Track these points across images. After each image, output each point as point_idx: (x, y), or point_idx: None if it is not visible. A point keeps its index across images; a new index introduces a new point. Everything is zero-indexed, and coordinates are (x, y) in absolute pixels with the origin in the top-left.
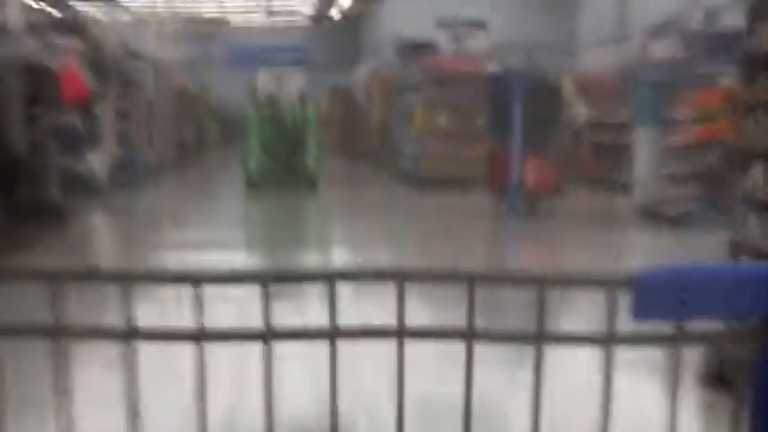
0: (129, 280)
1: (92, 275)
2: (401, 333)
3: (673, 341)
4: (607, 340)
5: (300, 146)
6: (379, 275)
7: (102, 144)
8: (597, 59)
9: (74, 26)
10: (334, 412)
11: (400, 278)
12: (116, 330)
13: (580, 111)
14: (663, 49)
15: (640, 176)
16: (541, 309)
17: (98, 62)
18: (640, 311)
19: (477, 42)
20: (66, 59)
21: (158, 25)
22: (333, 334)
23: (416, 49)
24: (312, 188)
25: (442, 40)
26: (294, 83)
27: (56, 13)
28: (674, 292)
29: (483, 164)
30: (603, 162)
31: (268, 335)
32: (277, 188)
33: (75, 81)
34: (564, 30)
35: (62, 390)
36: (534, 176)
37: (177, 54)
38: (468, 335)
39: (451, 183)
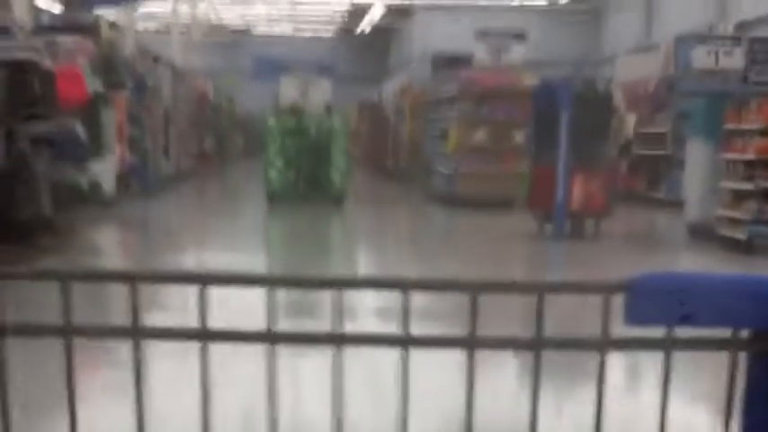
0: (137, 280)
1: (101, 276)
2: (406, 342)
3: (666, 347)
4: (602, 345)
5: (325, 158)
6: (384, 284)
7: (109, 152)
8: (630, 69)
9: (85, 27)
10: (338, 420)
11: (404, 287)
12: (123, 329)
13: (630, 122)
14: (704, 58)
15: (693, 193)
16: (540, 315)
17: (109, 65)
18: (634, 317)
19: (514, 56)
20: (70, 60)
21: (182, 32)
22: (338, 340)
23: (452, 63)
24: (337, 204)
25: (479, 52)
26: (320, 92)
27: (68, 14)
28: (669, 298)
29: (522, 183)
30: (641, 176)
31: (272, 338)
32: (299, 203)
33: (76, 83)
34: (591, 41)
35: (72, 389)
36: (581, 195)
37: (201, 62)
38: (471, 343)
39: (488, 203)
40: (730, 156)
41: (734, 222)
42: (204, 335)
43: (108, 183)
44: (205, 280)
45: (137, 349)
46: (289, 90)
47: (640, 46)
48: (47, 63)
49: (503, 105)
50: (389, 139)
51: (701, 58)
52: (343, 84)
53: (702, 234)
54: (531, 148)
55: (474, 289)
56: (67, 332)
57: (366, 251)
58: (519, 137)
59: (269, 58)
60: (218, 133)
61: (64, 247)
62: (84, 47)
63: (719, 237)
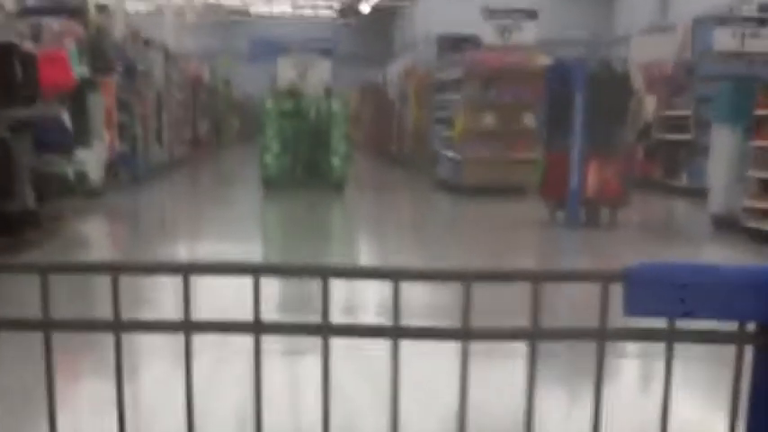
0: (119, 271)
1: (82, 267)
2: (396, 333)
3: (666, 338)
4: (600, 335)
5: (324, 143)
6: (373, 274)
7: (97, 139)
8: (645, 50)
9: (73, 10)
10: (325, 413)
11: (396, 277)
12: (104, 322)
13: (649, 105)
14: (728, 40)
15: (717, 182)
16: (536, 305)
17: (97, 49)
18: (633, 307)
19: (525, 35)
20: (55, 43)
21: (176, 14)
22: (325, 331)
23: (458, 44)
24: (337, 190)
25: (487, 33)
26: (319, 73)
27: None
28: (669, 288)
29: (532, 169)
30: (659, 162)
31: (258, 328)
32: (297, 189)
33: (61, 67)
34: (603, 21)
35: (51, 383)
36: (597, 182)
37: (196, 45)
38: (464, 334)
39: (496, 190)
40: (759, 143)
41: (762, 213)
42: (188, 326)
43: (96, 172)
44: (188, 269)
45: (118, 343)
46: (286, 71)
47: (655, 26)
48: (27, 46)
49: (512, 87)
50: (393, 124)
51: (724, 39)
52: (344, 65)
53: (727, 225)
54: (544, 133)
55: (466, 278)
56: (47, 326)
57: (367, 241)
58: (529, 120)
59: (267, 39)
60: (214, 118)
61: (48, 239)
62: (71, 29)
63: (745, 228)
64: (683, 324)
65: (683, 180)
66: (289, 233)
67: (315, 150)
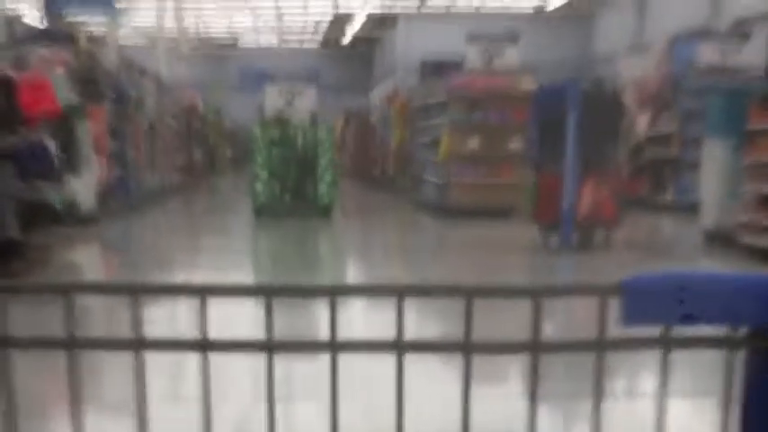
0: (138, 292)
1: (103, 288)
2: (400, 347)
3: (664, 346)
4: (599, 347)
5: (312, 170)
6: (378, 291)
7: (87, 167)
8: (628, 69)
9: (63, 38)
10: (334, 426)
11: (399, 293)
12: (125, 341)
13: (641, 123)
14: (710, 55)
15: (709, 198)
16: (536, 319)
17: (87, 76)
18: (630, 318)
19: (508, 59)
20: (40, 71)
21: (169, 46)
22: (333, 347)
23: (440, 69)
24: (325, 216)
25: (470, 57)
26: (305, 101)
27: (45, 27)
28: (665, 298)
29: (521, 191)
30: (645, 180)
31: (271, 346)
32: (287, 216)
33: (43, 94)
34: (582, 43)
35: (76, 401)
36: (590, 203)
37: (188, 75)
38: (466, 348)
39: (482, 213)
40: (754, 157)
41: (758, 229)
42: (204, 345)
43: (86, 200)
44: (205, 291)
45: (139, 361)
46: (273, 99)
47: (635, 45)
48: (8, 72)
49: (497, 111)
50: (376, 149)
51: (707, 54)
52: (328, 94)
53: (721, 242)
54: (535, 155)
55: (468, 293)
56: (71, 345)
57: (358, 268)
58: (515, 144)
59: (255, 69)
60: (207, 146)
61: (34, 269)
62: (59, 57)
63: (741, 245)
64: (678, 331)
65: (670, 196)
66: (281, 263)
67: (302, 177)
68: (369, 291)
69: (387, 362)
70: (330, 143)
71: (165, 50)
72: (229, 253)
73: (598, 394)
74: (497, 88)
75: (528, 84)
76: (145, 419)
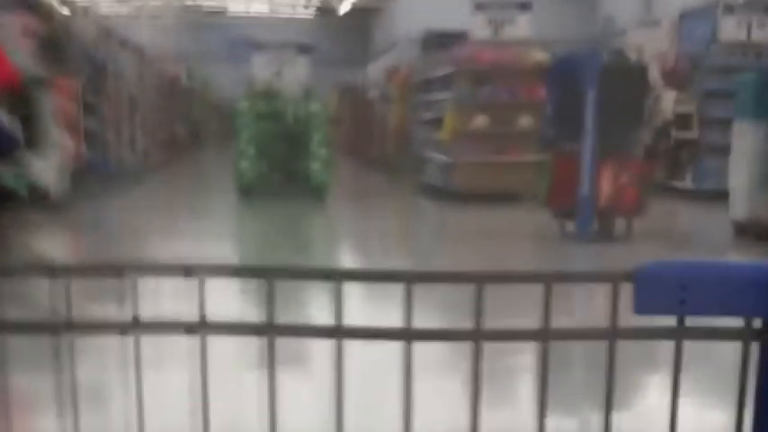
0: (129, 272)
1: (91, 269)
2: (408, 335)
3: (677, 336)
4: (611, 335)
5: (303, 147)
6: (386, 277)
7: (52, 145)
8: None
9: (35, 4)
10: (339, 415)
11: (408, 279)
12: (116, 323)
13: (668, 101)
14: (735, 28)
15: (740, 185)
16: (547, 306)
17: (57, 47)
18: (643, 306)
19: (519, 29)
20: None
21: (152, 15)
22: (337, 333)
23: (444, 41)
24: (318, 198)
25: (476, 28)
26: (297, 71)
27: None
28: (677, 287)
29: (533, 173)
30: (660, 163)
31: (271, 330)
32: (275, 197)
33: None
34: (587, 17)
35: (60, 384)
36: (611, 188)
37: (173, 46)
38: (477, 336)
39: (490, 197)
40: None
41: None
42: (203, 327)
43: (52, 181)
44: (201, 271)
45: (137, 344)
46: (261, 69)
47: (643, 20)
48: None
49: (505, 85)
50: (375, 126)
51: (729, 29)
52: (322, 67)
53: (753, 233)
54: (550, 134)
55: (479, 280)
56: (60, 328)
57: (353, 258)
58: (525, 121)
59: (244, 38)
60: (192, 120)
61: None
62: (26, 25)
63: None
64: (691, 321)
65: (688, 182)
66: (268, 250)
67: (293, 154)
68: (375, 276)
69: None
70: (324, 118)
71: (148, 20)
72: (208, 239)
73: (610, 383)
74: (506, 61)
75: (540, 56)
76: (141, 401)
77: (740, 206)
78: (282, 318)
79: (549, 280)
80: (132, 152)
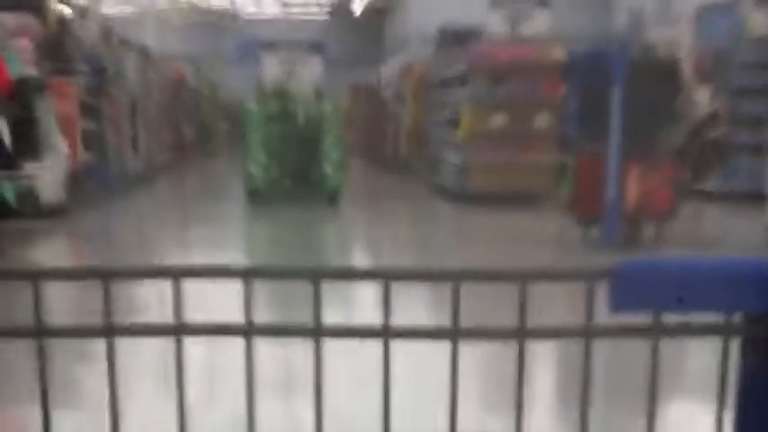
0: (109, 276)
1: (72, 274)
2: (386, 333)
3: (654, 334)
4: (586, 333)
5: (316, 149)
6: (364, 275)
7: (52, 150)
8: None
9: (33, 2)
10: (318, 412)
11: (386, 277)
12: (97, 328)
13: (702, 99)
14: (764, 23)
15: None
16: (523, 304)
17: (57, 47)
18: (619, 304)
19: (537, 25)
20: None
21: (159, 15)
22: (316, 332)
23: (460, 38)
24: (331, 203)
25: (493, 24)
26: (309, 71)
27: None
28: (656, 284)
29: (548, 175)
30: (684, 164)
31: (249, 330)
32: (286, 202)
33: None
34: (602, 14)
35: (44, 389)
36: (639, 192)
37: (181, 47)
38: (454, 334)
39: (508, 199)
40: None
41: None
42: (180, 329)
43: (51, 188)
44: (179, 273)
45: (111, 348)
46: (272, 69)
47: (662, 16)
48: None
49: (524, 84)
50: (388, 127)
51: (760, 22)
52: (335, 67)
53: None
54: (574, 133)
55: (455, 278)
56: (40, 333)
57: (363, 259)
58: (545, 120)
59: (255, 39)
60: (199, 123)
61: None
62: (22, 25)
63: None
64: (669, 319)
65: (714, 183)
66: (277, 257)
67: (305, 157)
68: (354, 275)
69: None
70: (337, 119)
71: (155, 21)
72: (214, 249)
73: (586, 381)
74: (525, 58)
75: (559, 53)
76: (116, 407)
77: None
78: (262, 318)
79: (525, 278)
80: (135, 156)
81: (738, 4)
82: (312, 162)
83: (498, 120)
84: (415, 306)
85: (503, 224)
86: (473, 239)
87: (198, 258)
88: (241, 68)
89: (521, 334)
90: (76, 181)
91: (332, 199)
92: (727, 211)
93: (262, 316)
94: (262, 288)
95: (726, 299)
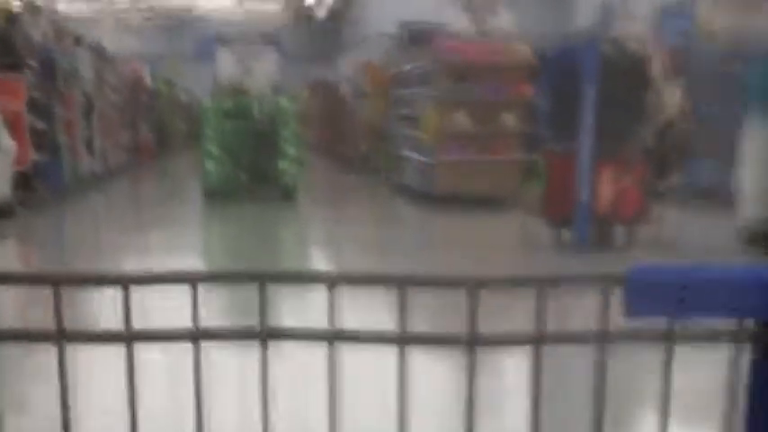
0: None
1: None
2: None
3: (668, 340)
4: (601, 339)
5: (272, 146)
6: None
7: None
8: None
9: None
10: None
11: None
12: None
13: (673, 96)
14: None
15: (751, 188)
16: (541, 310)
17: (1, 42)
18: (634, 309)
19: (503, 22)
20: None
21: (117, 14)
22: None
23: (422, 35)
24: (288, 201)
25: (457, 21)
26: (265, 66)
27: None
28: (670, 289)
29: (515, 174)
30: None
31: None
32: (243, 200)
33: None
34: (561, 12)
35: (65, 396)
36: (611, 193)
37: (140, 47)
38: (471, 341)
39: (474, 200)
40: None
41: None
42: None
43: None
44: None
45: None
46: (228, 65)
47: (621, 13)
48: None
49: (490, 82)
50: (348, 124)
51: (713, 21)
52: (293, 63)
53: (764, 243)
54: (544, 133)
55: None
56: (61, 338)
57: (320, 260)
58: (510, 119)
59: (211, 37)
60: (157, 123)
61: None
62: None
63: None
64: (683, 325)
65: (677, 184)
66: (231, 262)
67: (261, 154)
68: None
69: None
70: (294, 114)
71: (113, 21)
72: (166, 253)
73: (600, 388)
74: (491, 56)
75: (527, 51)
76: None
77: (751, 211)
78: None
79: (541, 284)
80: (90, 156)
81: (694, 3)
82: (269, 158)
83: (463, 119)
84: (369, 309)
85: (469, 226)
86: (437, 242)
87: (152, 263)
88: (200, 68)
89: (537, 340)
90: (26, 181)
91: (289, 196)
92: (690, 211)
93: (237, 321)
94: (229, 293)
95: (738, 306)
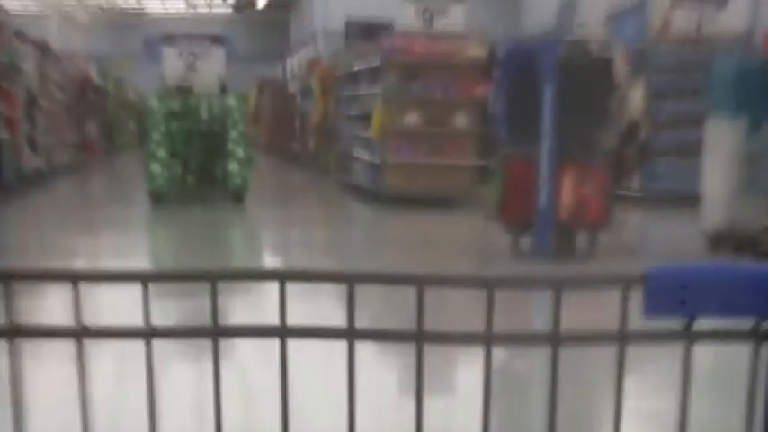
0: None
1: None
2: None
3: (687, 339)
4: (620, 338)
5: (220, 146)
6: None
7: None
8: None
9: None
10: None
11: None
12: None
13: (636, 99)
14: (685, 20)
15: (715, 192)
16: (557, 311)
17: None
18: (653, 309)
19: (452, 20)
20: None
21: (65, 13)
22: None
23: (369, 31)
24: (237, 202)
25: (405, 18)
26: (211, 65)
27: None
28: (688, 289)
29: (466, 177)
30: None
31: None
32: (190, 202)
33: None
34: (510, 15)
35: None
36: (572, 199)
37: (88, 46)
38: (487, 339)
39: (423, 201)
40: None
41: None
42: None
43: None
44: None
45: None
46: (173, 64)
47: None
48: None
49: (440, 80)
50: (295, 122)
51: (679, 23)
52: (241, 62)
53: (731, 244)
54: (501, 135)
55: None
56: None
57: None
58: (461, 120)
59: (159, 36)
60: (105, 121)
61: None
62: None
63: (758, 249)
64: (701, 324)
65: (635, 187)
66: (177, 263)
67: (209, 155)
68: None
69: None
70: (241, 113)
71: (59, 19)
72: (107, 257)
73: (619, 388)
74: (441, 54)
75: (479, 49)
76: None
77: (715, 214)
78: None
79: (559, 284)
80: (33, 154)
81: (646, 4)
82: (216, 159)
83: (412, 118)
84: (319, 306)
85: (421, 228)
86: (388, 243)
87: (98, 265)
88: (148, 67)
89: (555, 340)
90: None
91: (237, 197)
92: (652, 215)
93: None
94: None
95: (758, 305)
